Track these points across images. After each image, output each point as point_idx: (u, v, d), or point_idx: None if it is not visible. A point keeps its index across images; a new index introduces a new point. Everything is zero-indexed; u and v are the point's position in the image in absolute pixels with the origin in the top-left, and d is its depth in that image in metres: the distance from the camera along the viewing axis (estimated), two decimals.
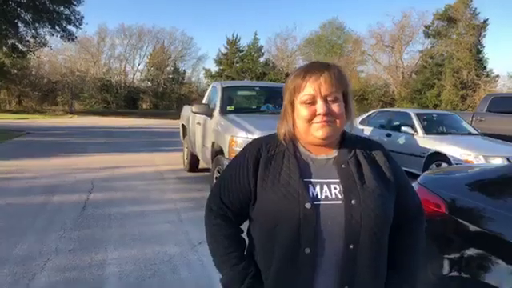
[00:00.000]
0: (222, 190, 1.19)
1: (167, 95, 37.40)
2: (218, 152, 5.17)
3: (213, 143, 5.41)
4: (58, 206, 4.81)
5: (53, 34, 23.04)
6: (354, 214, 1.03)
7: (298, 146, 1.15)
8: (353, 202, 1.04)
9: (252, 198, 1.13)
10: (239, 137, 4.55)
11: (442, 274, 1.96)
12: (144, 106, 37.53)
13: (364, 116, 9.50)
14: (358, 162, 1.12)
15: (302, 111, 1.10)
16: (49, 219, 4.31)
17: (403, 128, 7.62)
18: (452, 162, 6.26)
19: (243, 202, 1.15)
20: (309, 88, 1.08)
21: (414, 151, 7.18)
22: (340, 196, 1.06)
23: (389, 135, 7.98)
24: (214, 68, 35.81)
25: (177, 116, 8.76)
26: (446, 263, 1.99)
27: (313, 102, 1.08)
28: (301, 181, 1.06)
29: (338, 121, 1.09)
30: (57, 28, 22.67)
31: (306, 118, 1.09)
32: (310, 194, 1.05)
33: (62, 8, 22.23)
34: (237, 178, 1.15)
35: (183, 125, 8.01)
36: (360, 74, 30.99)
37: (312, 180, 1.08)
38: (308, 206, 1.03)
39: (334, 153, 1.14)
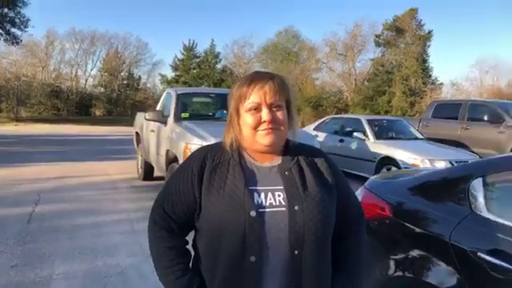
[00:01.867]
0: (165, 201, 1.18)
1: (121, 101, 36.25)
2: (172, 160, 5.10)
3: (167, 151, 5.32)
4: None
5: None
6: (297, 219, 1.05)
7: (243, 154, 1.16)
8: (296, 208, 1.06)
9: (197, 208, 1.12)
10: (194, 144, 4.51)
11: (388, 273, 2.03)
12: (97, 113, 36.14)
13: (318, 122, 9.74)
14: (300, 168, 1.15)
15: (247, 119, 1.11)
16: None
17: (355, 134, 7.90)
18: (401, 165, 6.56)
19: (188, 212, 1.14)
20: (254, 96, 1.10)
21: (365, 156, 7.45)
22: (284, 203, 1.07)
23: (342, 141, 8.23)
24: (170, 74, 35.33)
25: (131, 123, 8.53)
26: (392, 263, 2.07)
27: (258, 110, 1.10)
28: (246, 189, 1.07)
29: (282, 128, 1.12)
30: (0, 31, 21.42)
31: (252, 126, 1.11)
32: (255, 201, 1.06)
33: (5, 10, 21.05)
34: (181, 188, 1.14)
35: (137, 132, 7.82)
36: (315, 81, 31.73)
37: (257, 188, 1.10)
38: (253, 213, 1.04)
39: (277, 160, 1.16)
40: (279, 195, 1.09)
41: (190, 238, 1.21)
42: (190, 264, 1.17)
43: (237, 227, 1.03)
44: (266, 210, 1.06)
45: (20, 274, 3.16)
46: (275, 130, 1.11)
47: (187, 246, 1.19)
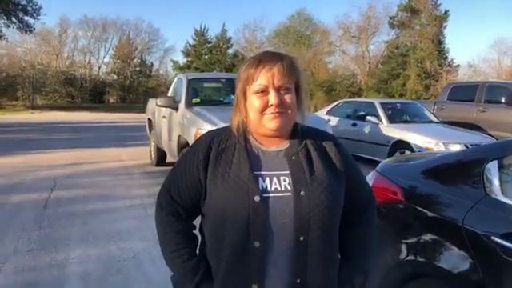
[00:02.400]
0: (172, 186, 1.17)
1: (134, 88, 36.44)
2: (184, 145, 5.11)
3: (179, 137, 5.34)
4: (17, 206, 4.63)
5: (9, 26, 21.96)
6: (303, 205, 1.03)
7: (249, 138, 1.13)
8: (302, 193, 1.04)
9: (203, 193, 1.10)
10: (204, 129, 4.50)
11: (400, 258, 2.01)
12: (111, 100, 36.46)
13: (330, 106, 9.63)
14: (308, 153, 1.12)
15: (254, 101, 1.07)
16: (7, 220, 4.14)
17: (368, 117, 7.79)
18: (415, 149, 6.47)
19: (194, 197, 1.13)
20: (262, 78, 1.06)
21: (378, 140, 7.35)
22: (289, 188, 1.05)
23: (354, 125, 8.13)
24: (182, 60, 35.26)
25: (144, 109, 8.58)
26: (403, 248, 2.04)
27: (265, 93, 1.07)
28: (250, 174, 1.05)
29: (289, 112, 1.08)
30: (13, 19, 21.61)
31: (259, 109, 1.07)
32: (260, 186, 1.04)
33: None
34: (187, 173, 1.13)
35: (149, 119, 7.86)
36: (328, 64, 31.32)
37: (262, 172, 1.07)
38: (257, 198, 1.02)
39: (285, 144, 1.13)
40: (285, 180, 1.06)
41: (197, 222, 1.20)
42: (197, 249, 1.16)
43: (241, 212, 1.01)
44: (271, 195, 1.04)
45: (36, 258, 3.24)
46: (282, 113, 1.07)
47: (194, 231, 1.19)
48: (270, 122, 1.07)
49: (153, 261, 3.22)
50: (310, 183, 1.05)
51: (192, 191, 1.12)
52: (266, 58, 1.09)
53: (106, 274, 3.01)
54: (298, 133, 1.15)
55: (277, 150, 1.12)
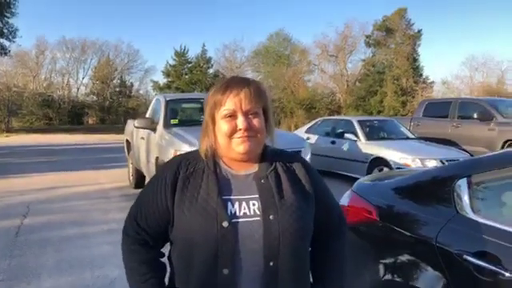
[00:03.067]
0: (138, 213, 1.14)
1: (114, 109, 36.07)
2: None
3: (157, 158, 5.28)
4: None
5: None
6: (272, 229, 1.02)
7: (218, 162, 1.12)
8: (271, 217, 1.03)
9: (171, 220, 1.08)
10: (182, 150, 4.46)
11: (378, 277, 2.00)
12: (90, 121, 35.96)
13: (309, 124, 9.73)
14: (277, 176, 1.11)
15: (222, 126, 1.07)
16: None
17: (346, 135, 7.90)
18: (392, 165, 6.56)
19: (162, 224, 1.10)
20: (229, 103, 1.07)
21: (357, 157, 7.44)
22: (258, 212, 1.04)
23: (333, 142, 8.22)
24: (162, 80, 35.19)
25: (123, 130, 8.48)
26: (381, 267, 2.04)
27: (233, 117, 1.07)
28: (219, 199, 1.04)
29: (258, 135, 1.09)
30: None
31: (227, 133, 1.07)
32: (229, 211, 1.03)
33: None
34: (154, 199, 1.10)
35: (127, 140, 7.76)
36: (307, 83, 31.77)
37: (231, 197, 1.06)
38: (225, 224, 1.00)
39: (254, 168, 1.12)
40: (254, 204, 1.05)
41: (166, 250, 1.17)
42: (166, 278, 1.13)
43: (209, 238, 1.00)
44: (240, 220, 1.02)
45: None
46: (251, 137, 1.07)
47: (163, 259, 1.15)
48: (239, 146, 1.07)
49: None
50: (280, 207, 1.04)
51: (160, 218, 1.09)
52: (232, 84, 1.09)
53: None
54: (268, 156, 1.14)
55: (246, 173, 1.11)
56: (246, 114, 1.07)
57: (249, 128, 1.06)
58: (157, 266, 1.12)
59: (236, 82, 1.10)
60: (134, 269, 1.11)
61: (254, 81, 1.13)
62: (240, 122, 1.06)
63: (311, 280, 1.17)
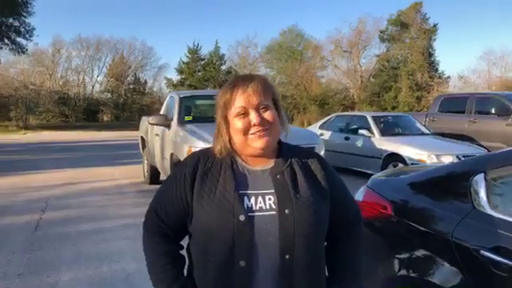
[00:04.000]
0: (158, 206, 1.17)
1: (128, 106, 36.40)
2: (176, 163, 5.10)
3: (171, 154, 5.33)
4: (7, 229, 4.56)
5: (1, 48, 22.01)
6: (287, 223, 1.03)
7: (235, 157, 1.14)
8: (286, 211, 1.04)
9: (190, 213, 1.11)
10: (197, 147, 4.50)
11: (392, 273, 2.00)
12: (105, 118, 36.35)
13: (323, 121, 9.69)
14: (293, 171, 1.13)
15: (236, 124, 1.09)
16: None
17: (360, 131, 7.83)
18: (407, 161, 6.49)
19: (181, 217, 1.13)
20: (239, 100, 1.09)
21: (371, 153, 7.38)
22: (274, 206, 1.06)
23: (347, 138, 8.17)
24: (175, 77, 35.38)
25: (138, 127, 8.58)
26: (395, 262, 2.04)
27: (246, 114, 1.09)
28: (236, 193, 1.06)
29: (273, 127, 1.10)
30: (5, 41, 21.69)
31: (242, 131, 1.09)
32: (245, 205, 1.05)
33: (10, 20, 21.30)
34: (174, 192, 1.13)
35: (142, 137, 7.85)
36: (321, 79, 31.57)
37: (247, 192, 1.08)
38: (242, 218, 1.02)
39: (270, 163, 1.14)
40: (270, 199, 1.07)
41: (185, 243, 1.20)
42: (185, 270, 1.15)
43: (226, 232, 1.02)
44: (256, 214, 1.04)
45: (26, 281, 3.18)
46: (266, 131, 1.09)
47: (182, 252, 1.18)
48: (256, 142, 1.09)
49: (146, 282, 3.16)
50: (295, 202, 1.06)
51: (179, 211, 1.13)
52: (238, 82, 1.12)
53: None
54: (284, 152, 1.16)
55: (262, 169, 1.13)
56: (257, 109, 1.09)
57: (262, 122, 1.08)
58: (176, 258, 1.15)
59: (241, 80, 1.12)
60: (154, 260, 1.14)
61: (258, 75, 1.16)
62: (253, 117, 1.08)
63: (327, 274, 1.18)
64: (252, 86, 1.09)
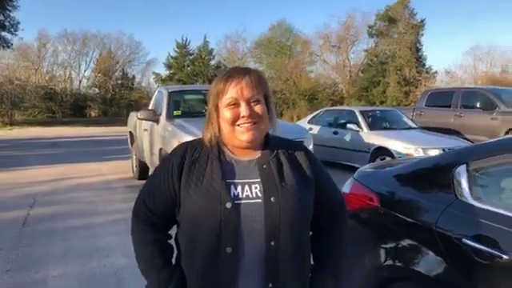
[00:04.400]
0: (147, 196, 1.19)
1: (116, 101, 36.03)
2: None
3: (160, 149, 5.32)
4: None
5: None
6: (273, 211, 1.06)
7: (222, 148, 1.17)
8: (272, 199, 1.07)
9: (177, 203, 1.13)
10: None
11: (378, 262, 2.05)
12: (92, 114, 35.95)
13: (312, 115, 9.74)
14: (279, 161, 1.16)
15: (226, 114, 1.11)
16: None
17: (349, 125, 7.91)
18: (395, 155, 6.58)
19: (168, 206, 1.15)
20: (231, 91, 1.11)
21: (359, 147, 7.46)
22: (260, 195, 1.09)
23: (336, 133, 8.24)
24: (164, 72, 35.10)
25: (126, 123, 8.53)
26: (382, 252, 2.08)
27: (236, 105, 1.11)
28: (222, 182, 1.09)
29: (261, 122, 1.13)
30: None
31: (230, 121, 1.11)
32: (232, 194, 1.08)
33: None
34: (161, 182, 1.16)
35: (131, 132, 7.80)
36: (310, 74, 31.63)
37: (234, 181, 1.11)
38: (229, 205, 1.05)
39: (257, 154, 1.16)
40: (256, 187, 1.10)
41: (173, 233, 1.21)
42: (173, 259, 1.18)
43: (213, 219, 1.05)
44: (242, 201, 1.07)
45: (15, 277, 3.17)
46: (254, 124, 1.11)
47: (169, 241, 1.20)
48: (243, 135, 1.11)
49: (135, 276, 3.17)
50: (280, 190, 1.09)
51: (167, 200, 1.15)
52: (234, 73, 1.14)
53: None
54: (270, 143, 1.19)
55: (249, 159, 1.16)
56: (248, 102, 1.11)
57: (251, 115, 1.10)
58: (165, 247, 1.17)
59: (237, 72, 1.15)
60: (142, 248, 1.16)
61: (254, 70, 1.18)
62: (243, 109, 1.10)
63: (312, 263, 1.21)
64: (246, 79, 1.12)
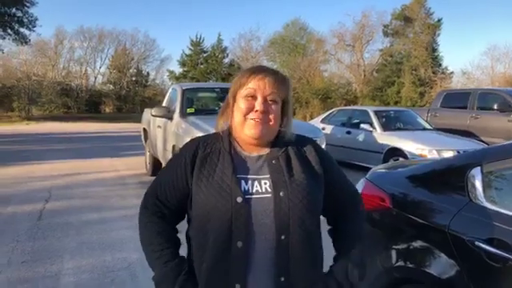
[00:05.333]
0: (158, 188, 1.21)
1: (131, 98, 36.42)
2: None
3: (173, 146, 5.37)
4: (11, 217, 4.63)
5: (4, 38, 22.00)
6: (282, 205, 1.08)
7: (233, 143, 1.19)
8: (281, 194, 1.09)
9: (189, 196, 1.15)
10: None
11: (390, 264, 2.04)
12: (107, 110, 36.40)
13: (325, 114, 9.70)
14: (288, 157, 1.17)
15: (241, 103, 1.14)
16: (0, 231, 4.13)
17: (362, 125, 7.86)
18: (408, 156, 6.52)
19: (180, 200, 1.17)
20: (253, 83, 1.13)
21: (372, 147, 7.41)
22: (270, 190, 1.10)
23: (349, 132, 8.19)
24: (178, 70, 35.35)
25: (140, 119, 8.63)
26: (393, 254, 2.07)
27: (253, 98, 1.13)
28: (233, 177, 1.10)
29: (272, 121, 1.14)
30: (8, 31, 21.67)
31: (244, 111, 1.13)
32: (242, 188, 1.10)
33: (13, 10, 21.27)
34: (174, 175, 1.18)
35: (144, 128, 7.89)
36: (323, 73, 31.45)
37: (245, 176, 1.13)
38: (239, 200, 1.07)
39: (266, 150, 1.18)
40: (265, 183, 1.12)
41: (183, 230, 1.23)
42: (179, 250, 1.18)
43: (224, 213, 1.06)
44: (253, 196, 1.09)
45: (30, 269, 3.24)
46: (264, 121, 1.12)
47: (177, 235, 1.22)
48: (251, 130, 1.13)
49: (147, 271, 3.22)
50: (289, 184, 1.10)
51: (178, 193, 1.17)
52: (260, 69, 1.17)
53: (100, 284, 3.01)
54: (280, 139, 1.20)
55: (258, 155, 1.17)
56: (265, 98, 1.13)
57: (265, 111, 1.12)
58: (172, 238, 1.19)
59: (263, 69, 1.17)
60: (151, 239, 1.17)
61: (281, 73, 1.20)
62: (258, 103, 1.12)
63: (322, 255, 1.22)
64: (271, 77, 1.14)
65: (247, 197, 1.08)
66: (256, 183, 1.11)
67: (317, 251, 1.16)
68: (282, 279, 1.07)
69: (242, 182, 1.11)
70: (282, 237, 1.07)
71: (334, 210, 1.23)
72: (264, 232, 1.07)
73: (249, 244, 1.06)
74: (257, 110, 1.11)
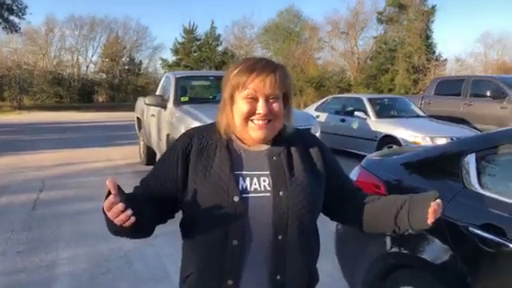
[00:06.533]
0: (152, 178, 1.16)
1: (123, 87, 36.09)
2: None
3: (167, 135, 5.34)
4: (4, 208, 4.60)
5: None
6: (281, 205, 1.05)
7: (232, 137, 1.13)
8: (281, 193, 1.06)
9: (180, 189, 1.10)
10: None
11: (384, 250, 2.06)
12: (100, 99, 36.06)
13: (319, 103, 9.69)
14: (289, 153, 1.13)
15: (242, 106, 1.07)
16: None
17: (356, 113, 7.86)
18: (402, 143, 6.54)
19: (171, 191, 1.11)
20: (253, 86, 1.06)
21: (366, 135, 7.43)
22: (269, 188, 1.07)
23: (343, 120, 8.20)
24: (171, 58, 34.99)
25: (133, 108, 8.55)
26: (387, 240, 2.09)
27: (254, 100, 1.06)
28: (231, 174, 1.06)
29: (276, 120, 1.09)
30: None
31: (245, 115, 1.07)
32: (240, 186, 1.06)
33: None
34: (166, 167, 1.13)
35: (138, 117, 7.83)
36: (317, 60, 31.33)
37: (243, 172, 1.08)
38: (236, 199, 1.03)
39: (267, 145, 1.13)
40: (264, 180, 1.08)
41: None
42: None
43: (220, 211, 1.03)
44: (250, 195, 1.06)
45: (26, 259, 3.23)
46: (268, 123, 1.07)
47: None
48: (255, 132, 1.08)
49: (142, 259, 3.24)
50: (289, 183, 1.07)
51: (170, 185, 1.12)
52: (259, 67, 1.07)
53: (96, 273, 3.02)
54: (282, 135, 1.15)
55: (259, 150, 1.12)
56: (266, 99, 1.07)
57: (267, 113, 1.06)
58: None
59: (263, 67, 1.08)
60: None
61: (280, 66, 1.12)
62: (260, 106, 1.06)
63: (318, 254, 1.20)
64: (272, 76, 1.06)
65: (244, 195, 1.05)
66: (255, 180, 1.08)
67: (313, 249, 1.15)
68: (278, 277, 1.06)
69: (240, 178, 1.07)
70: (279, 237, 1.05)
71: (336, 199, 1.19)
72: (261, 231, 1.04)
73: (244, 242, 1.04)
74: (259, 113, 1.06)
